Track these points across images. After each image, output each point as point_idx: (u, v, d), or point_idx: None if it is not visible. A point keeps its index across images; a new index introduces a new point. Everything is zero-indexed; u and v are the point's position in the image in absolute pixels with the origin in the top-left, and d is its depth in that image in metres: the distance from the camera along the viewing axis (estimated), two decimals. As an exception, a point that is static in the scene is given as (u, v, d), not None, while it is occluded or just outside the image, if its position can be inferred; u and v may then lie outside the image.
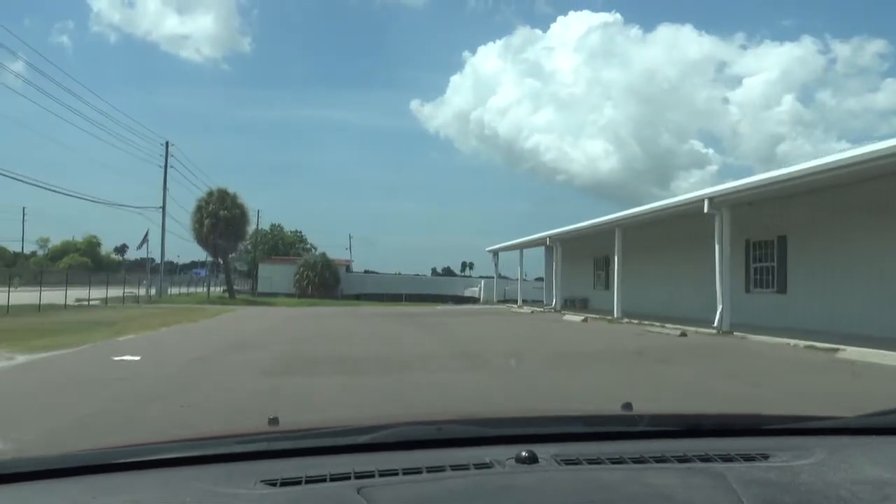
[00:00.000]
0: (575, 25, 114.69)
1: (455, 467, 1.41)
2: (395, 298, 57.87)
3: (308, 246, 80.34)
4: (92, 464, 1.47)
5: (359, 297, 57.92)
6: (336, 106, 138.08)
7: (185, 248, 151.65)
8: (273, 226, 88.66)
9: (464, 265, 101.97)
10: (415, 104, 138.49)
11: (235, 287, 72.79)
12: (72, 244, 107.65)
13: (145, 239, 47.25)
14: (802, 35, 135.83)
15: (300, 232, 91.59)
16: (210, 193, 44.63)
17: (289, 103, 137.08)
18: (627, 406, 1.98)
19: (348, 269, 69.05)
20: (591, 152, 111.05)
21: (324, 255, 63.63)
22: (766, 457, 1.52)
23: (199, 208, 44.14)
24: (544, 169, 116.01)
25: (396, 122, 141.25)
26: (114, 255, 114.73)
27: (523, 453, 1.43)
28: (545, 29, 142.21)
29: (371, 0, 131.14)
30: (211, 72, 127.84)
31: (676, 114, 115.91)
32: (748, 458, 1.51)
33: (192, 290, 59.00)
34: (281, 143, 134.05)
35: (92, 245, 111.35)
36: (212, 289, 54.03)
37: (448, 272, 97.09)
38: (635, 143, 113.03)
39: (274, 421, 1.86)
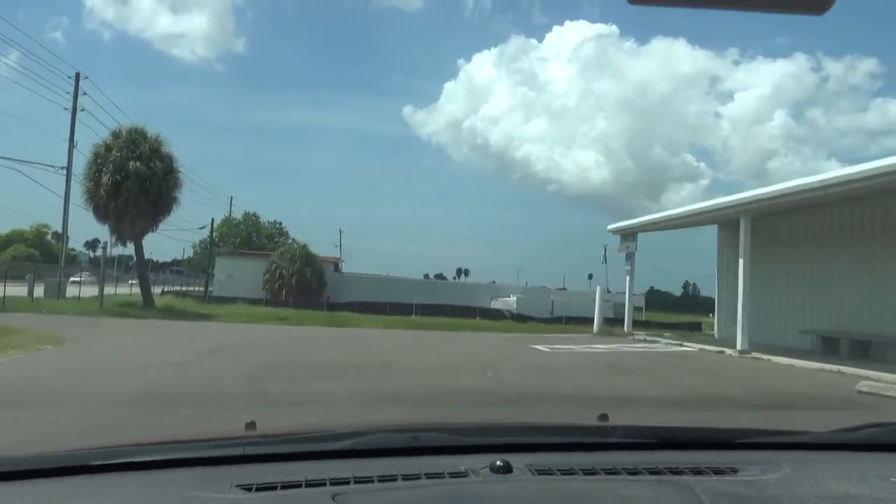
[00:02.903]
0: (570, 36, 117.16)
1: (430, 475, 1.40)
2: (402, 310, 41.51)
3: (290, 241, 63.20)
4: (66, 465, 1.44)
5: (351, 307, 41.53)
6: (328, 109, 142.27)
7: (166, 243, 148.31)
8: (247, 215, 72.80)
9: (459, 271, 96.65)
10: (408, 110, 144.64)
11: (184, 289, 56.03)
12: (18, 233, 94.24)
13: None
14: (795, 52, 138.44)
15: (280, 223, 75.72)
16: (116, 134, 27.90)
17: (282, 106, 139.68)
18: (604, 417, 1.97)
19: (337, 268, 52.63)
20: (583, 163, 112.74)
21: (304, 247, 47.18)
22: (735, 470, 1.52)
23: (96, 157, 27.27)
24: (535, 179, 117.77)
25: (389, 127, 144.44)
26: (82, 249, 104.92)
27: (498, 462, 1.43)
28: (540, 39, 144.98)
29: (367, 5, 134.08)
30: (204, 71, 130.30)
31: (669, 127, 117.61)
32: (718, 472, 1.51)
33: (127, 289, 42.33)
34: (272, 145, 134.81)
35: (40, 234, 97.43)
36: (120, 289, 37.67)
37: (441, 278, 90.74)
38: (627, 155, 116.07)
39: (251, 425, 1.86)
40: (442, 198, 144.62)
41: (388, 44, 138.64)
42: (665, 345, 21.25)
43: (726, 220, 21.76)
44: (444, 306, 43.69)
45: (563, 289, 69.92)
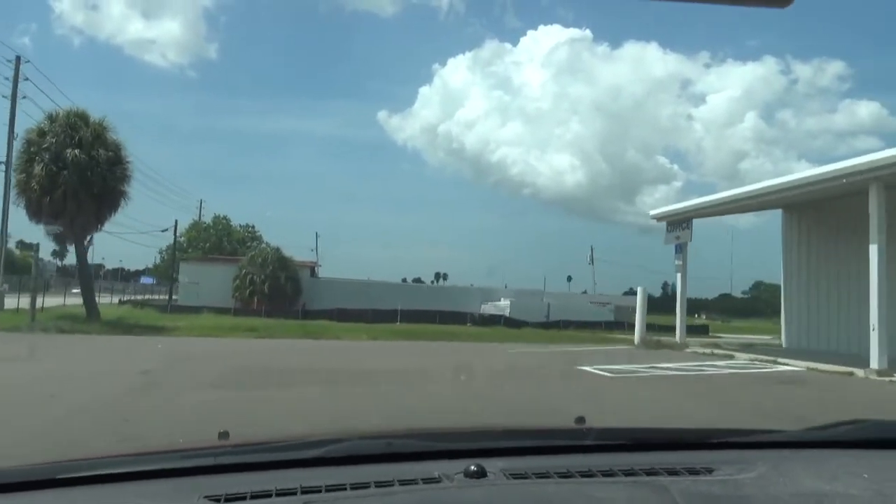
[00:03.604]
0: (544, 40, 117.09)
1: (403, 482, 1.39)
2: (385, 317, 37.89)
3: (263, 245, 59.02)
4: (31, 479, 1.41)
5: (330, 314, 37.80)
6: (303, 115, 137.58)
7: (137, 250, 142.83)
8: (217, 218, 68.60)
9: (437, 275, 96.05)
10: (382, 115, 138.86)
11: (147, 297, 51.91)
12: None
13: (90, 242, 32.02)
14: (765, 55, 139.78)
15: (252, 227, 71.59)
16: (51, 118, 23.61)
17: (255, 112, 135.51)
18: (580, 420, 1.95)
19: (314, 273, 48.79)
20: (558, 166, 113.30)
21: (277, 250, 43.25)
22: (710, 470, 1.52)
23: (28, 145, 22.97)
24: (511, 182, 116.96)
25: (364, 132, 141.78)
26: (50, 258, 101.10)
27: (472, 467, 1.41)
28: (515, 43, 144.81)
29: (341, 10, 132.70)
30: (176, 77, 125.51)
31: (642, 130, 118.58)
32: (693, 472, 1.50)
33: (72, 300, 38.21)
34: (246, 151, 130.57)
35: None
36: (72, 300, 33.56)
37: (418, 282, 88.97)
38: (601, 158, 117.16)
39: (224, 435, 1.82)
40: (418, 202, 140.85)
41: (363, 49, 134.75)
42: (750, 362, 16.84)
43: (821, 198, 17.52)
44: (432, 312, 40.11)
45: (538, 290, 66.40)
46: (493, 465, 1.46)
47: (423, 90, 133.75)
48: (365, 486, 1.37)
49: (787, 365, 16.08)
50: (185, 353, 15.53)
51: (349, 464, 1.52)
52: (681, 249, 21.79)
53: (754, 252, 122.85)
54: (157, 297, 57.19)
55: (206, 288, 41.31)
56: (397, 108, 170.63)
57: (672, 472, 1.49)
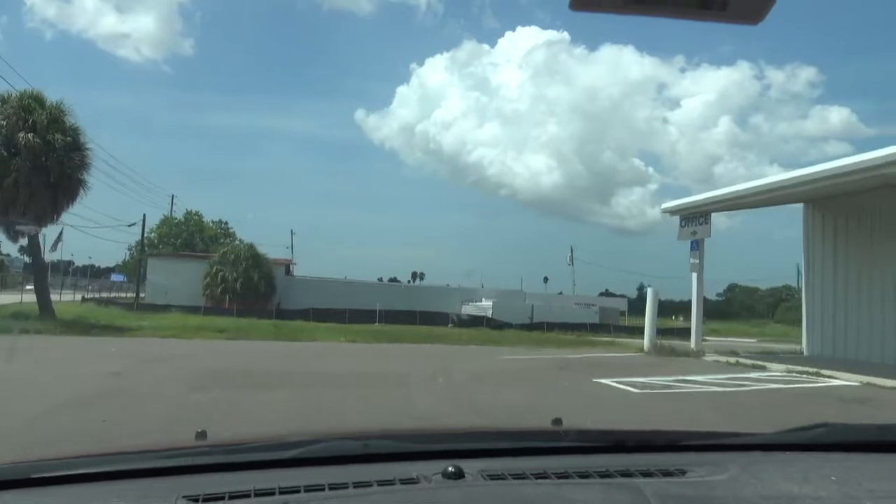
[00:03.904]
0: (522, 41, 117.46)
1: (381, 482, 1.39)
2: (363, 317, 36.42)
3: (237, 242, 57.00)
4: (5, 479, 1.39)
5: (305, 314, 36.22)
6: (279, 113, 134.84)
7: (104, 247, 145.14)
8: (188, 214, 66.42)
9: (413, 275, 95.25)
10: (360, 114, 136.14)
11: (114, 295, 49.87)
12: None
13: (59, 238, 33.09)
14: (739, 60, 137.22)
15: (225, 223, 69.43)
16: (3, 99, 21.64)
17: (231, 109, 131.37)
18: (557, 422, 1.97)
19: (289, 271, 47.05)
20: (535, 167, 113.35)
21: (251, 246, 41.48)
22: (683, 472, 1.54)
23: None
24: (488, 183, 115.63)
25: (341, 131, 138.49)
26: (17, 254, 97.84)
27: (450, 468, 1.42)
28: (492, 44, 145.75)
29: (318, 7, 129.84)
30: (150, 73, 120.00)
31: (618, 132, 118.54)
32: (666, 474, 1.52)
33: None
34: (221, 149, 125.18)
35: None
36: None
37: (395, 282, 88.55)
38: (578, 160, 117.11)
39: (201, 435, 1.81)
40: (395, 202, 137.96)
41: (340, 47, 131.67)
42: (787, 374, 14.50)
43: (854, 190, 15.76)
44: (412, 312, 38.70)
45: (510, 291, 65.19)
46: (470, 466, 1.46)
47: (401, 90, 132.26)
48: (343, 486, 1.36)
49: (834, 378, 13.83)
50: (142, 357, 13.85)
51: (327, 464, 1.52)
52: (697, 246, 19.82)
53: (727, 254, 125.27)
54: (125, 295, 55.00)
55: (176, 286, 39.46)
56: (375, 107, 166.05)
57: (646, 474, 1.50)
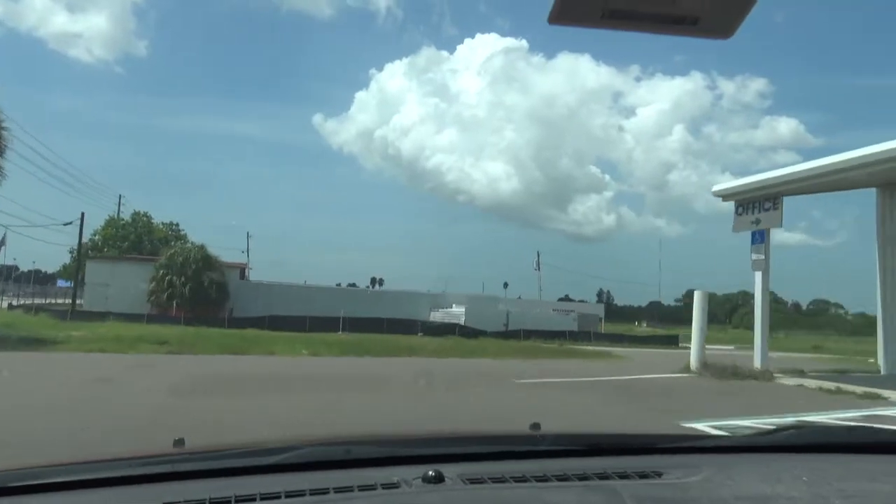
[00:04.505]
0: (480, 49, 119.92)
1: (362, 487, 1.39)
2: (325, 325, 33.46)
3: (187, 244, 53.18)
4: None
5: (261, 322, 33.09)
6: (235, 117, 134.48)
7: (49, 251, 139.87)
8: (136, 214, 62.34)
9: (372, 280, 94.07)
10: (318, 119, 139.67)
11: (49, 302, 45.99)
12: None
13: (2, 242, 32.43)
14: (692, 70, 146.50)
15: (176, 224, 65.54)
16: None
17: (186, 112, 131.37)
18: (535, 426, 1.98)
19: (244, 275, 43.67)
20: (493, 174, 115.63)
21: (202, 248, 38.12)
22: (659, 474, 1.55)
23: None
24: (446, 189, 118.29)
25: (299, 136, 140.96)
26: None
27: (430, 473, 1.43)
28: (451, 51, 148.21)
29: (276, 10, 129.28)
30: (102, 74, 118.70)
31: (575, 139, 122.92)
32: (643, 476, 1.54)
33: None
34: (176, 153, 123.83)
35: None
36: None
37: (353, 287, 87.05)
38: (535, 167, 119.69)
39: (180, 442, 1.77)
40: (353, 207, 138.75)
41: (299, 51, 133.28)
42: None
43: None
44: (378, 320, 35.82)
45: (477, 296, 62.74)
46: (450, 470, 1.47)
47: (360, 95, 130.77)
48: (324, 491, 1.37)
49: None
50: (31, 384, 10.68)
51: (308, 470, 1.52)
52: (762, 238, 15.56)
53: (680, 260, 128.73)
54: (65, 301, 50.83)
55: (117, 291, 35.98)
56: (333, 112, 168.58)
57: (623, 476, 1.52)
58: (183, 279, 35.92)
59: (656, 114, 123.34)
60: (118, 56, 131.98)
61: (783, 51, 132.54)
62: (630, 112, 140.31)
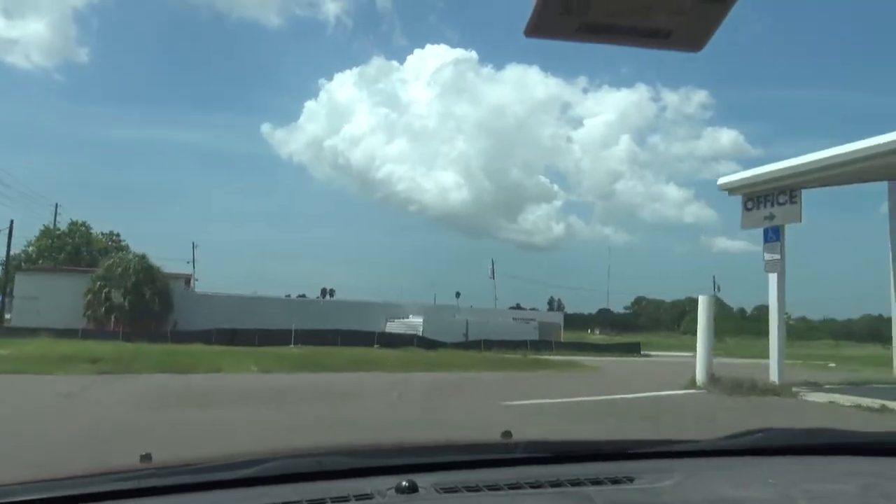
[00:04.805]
0: (430, 59, 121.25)
1: (335, 499, 1.39)
2: (276, 338, 31.72)
3: (128, 255, 50.46)
4: None
5: (208, 336, 31.16)
6: (181, 126, 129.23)
7: None
8: (73, 224, 59.15)
9: (323, 291, 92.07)
10: (266, 128, 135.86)
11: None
12: None
13: None
14: (637, 83, 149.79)
15: (117, 235, 62.51)
16: None
17: (130, 121, 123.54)
18: (507, 434, 1.99)
19: (189, 286, 41.44)
20: (443, 184, 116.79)
21: (143, 258, 35.90)
22: (631, 479, 1.56)
23: None
24: (397, 199, 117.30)
25: (247, 146, 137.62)
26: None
27: (403, 483, 1.43)
28: (401, 61, 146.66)
29: (224, 18, 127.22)
30: (41, 81, 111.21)
31: (524, 150, 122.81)
32: (615, 481, 1.55)
33: None
34: (120, 162, 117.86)
35: None
36: None
37: (302, 298, 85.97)
38: (485, 177, 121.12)
39: (146, 457, 1.72)
40: (303, 217, 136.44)
41: (247, 60, 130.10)
42: None
43: None
44: (332, 332, 34.18)
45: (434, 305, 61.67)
46: (424, 480, 1.46)
47: (309, 104, 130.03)
48: None
49: None
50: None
51: (280, 483, 1.49)
52: (776, 235, 13.94)
53: (628, 268, 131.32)
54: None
55: (50, 305, 33.54)
56: (282, 121, 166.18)
57: (596, 482, 1.53)
58: (122, 291, 33.68)
59: (603, 125, 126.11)
60: (58, 63, 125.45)
61: (723, 63, 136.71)
62: (578, 123, 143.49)
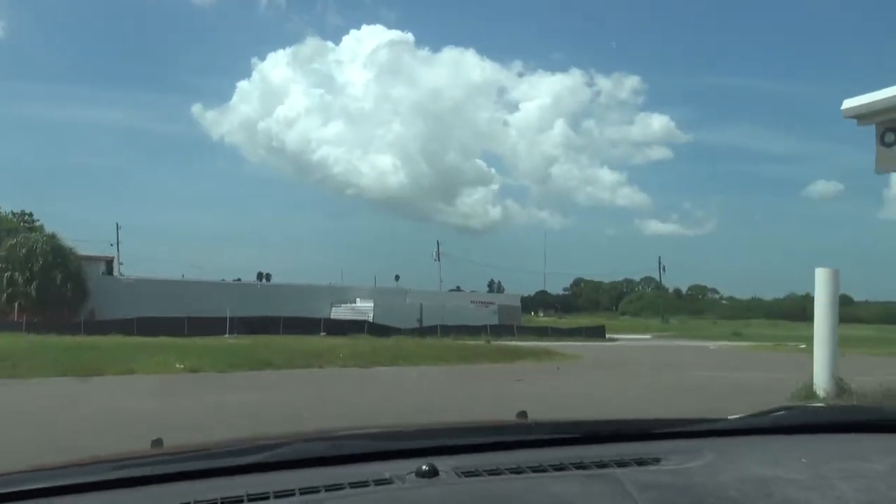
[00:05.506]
0: (366, 40, 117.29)
1: (354, 484, 1.35)
2: (209, 327, 28.32)
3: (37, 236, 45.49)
4: None
5: (129, 326, 27.46)
6: (105, 105, 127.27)
7: None
8: (-23, 203, 53.57)
9: (259, 275, 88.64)
10: (197, 109, 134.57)
11: None
12: None
13: None
14: (571, 67, 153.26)
15: (29, 214, 57.16)
16: None
17: (52, 99, 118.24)
18: (522, 414, 1.98)
19: (110, 269, 37.27)
20: (380, 167, 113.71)
21: (52, 238, 31.72)
22: (657, 460, 1.54)
23: None
24: (334, 182, 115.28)
25: (175, 126, 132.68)
26: None
27: (423, 467, 1.39)
28: (337, 41, 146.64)
29: None
30: None
31: (461, 133, 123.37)
32: (642, 463, 1.52)
33: None
34: (39, 142, 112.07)
35: None
36: None
37: (238, 282, 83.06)
38: (422, 160, 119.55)
39: (157, 443, 1.72)
40: (237, 200, 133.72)
41: (176, 38, 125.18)
42: None
43: None
44: (273, 319, 30.86)
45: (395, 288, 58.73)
46: (444, 463, 1.43)
47: (242, 84, 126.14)
48: (315, 490, 1.32)
49: None
50: None
51: (296, 467, 1.45)
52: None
53: (563, 251, 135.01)
54: None
55: (-59, 292, 29.02)
56: (214, 102, 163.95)
57: (621, 464, 1.49)
58: (28, 276, 29.48)
59: (538, 109, 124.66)
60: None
61: (654, 49, 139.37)
62: (514, 107, 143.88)
